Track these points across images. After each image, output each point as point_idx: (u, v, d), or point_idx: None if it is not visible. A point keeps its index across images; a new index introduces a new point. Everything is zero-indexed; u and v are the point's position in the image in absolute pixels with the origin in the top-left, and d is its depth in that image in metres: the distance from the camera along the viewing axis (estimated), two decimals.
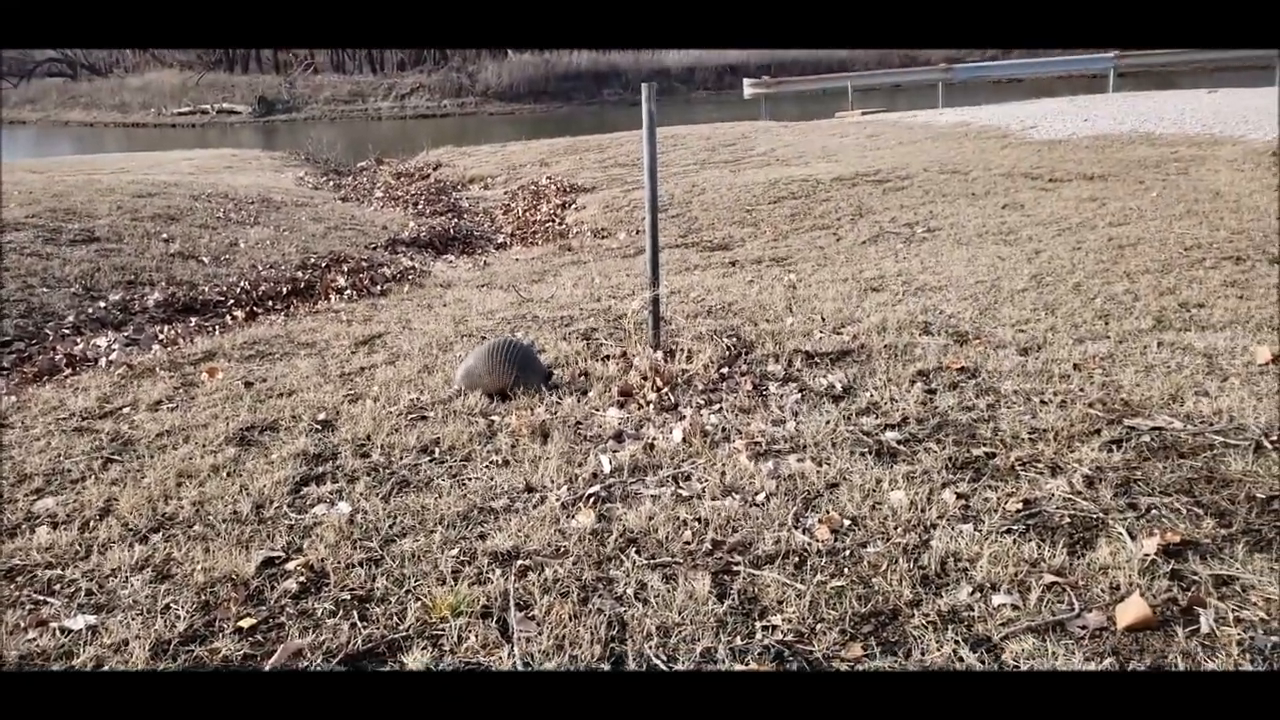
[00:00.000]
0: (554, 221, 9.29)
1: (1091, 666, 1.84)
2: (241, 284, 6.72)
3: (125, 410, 3.57)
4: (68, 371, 4.60)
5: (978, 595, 2.08)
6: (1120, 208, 6.78)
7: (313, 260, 7.45)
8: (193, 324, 5.64)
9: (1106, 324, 4.09)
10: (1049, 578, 2.13)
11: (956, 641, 1.91)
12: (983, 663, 1.85)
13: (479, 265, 7.47)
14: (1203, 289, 4.53)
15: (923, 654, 1.89)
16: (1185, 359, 3.55)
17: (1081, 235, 6.05)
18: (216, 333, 5.37)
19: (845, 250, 6.44)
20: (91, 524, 2.49)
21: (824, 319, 4.44)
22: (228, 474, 2.78)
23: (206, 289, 6.52)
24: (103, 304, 6.04)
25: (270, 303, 6.44)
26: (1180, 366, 3.48)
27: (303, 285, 6.82)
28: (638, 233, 8.08)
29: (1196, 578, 2.12)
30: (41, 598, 2.10)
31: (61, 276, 6.40)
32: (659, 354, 3.72)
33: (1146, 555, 2.20)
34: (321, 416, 3.28)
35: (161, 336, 5.24)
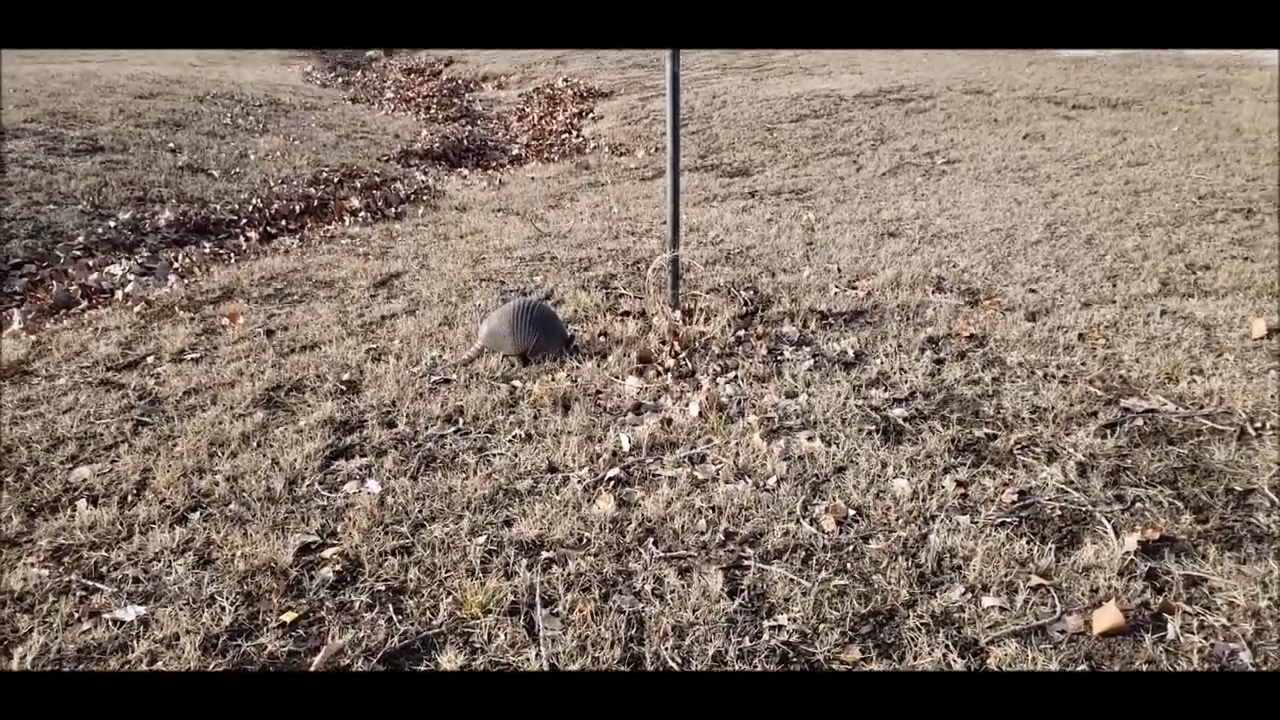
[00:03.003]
0: (570, 133, 9.15)
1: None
2: (254, 201, 6.72)
3: (149, 360, 3.67)
4: (84, 304, 4.66)
5: (969, 596, 2.21)
6: (1140, 144, 6.68)
7: (325, 174, 7.41)
8: (207, 250, 5.68)
9: (1114, 286, 4.13)
10: (1035, 579, 2.26)
11: (947, 645, 2.05)
12: (969, 667, 2.00)
13: (494, 184, 7.43)
14: (1210, 247, 4.54)
15: (915, 657, 2.04)
16: (1185, 331, 3.61)
17: (1099, 176, 6.00)
18: (232, 260, 5.42)
19: (865, 183, 6.39)
20: (129, 499, 2.60)
21: (840, 270, 4.48)
22: (258, 444, 2.90)
23: (218, 207, 6.52)
24: (112, 223, 6.05)
25: (284, 222, 6.46)
26: (1179, 339, 3.54)
27: (316, 204, 6.82)
28: (656, 150, 7.99)
29: (1170, 578, 2.23)
30: (90, 583, 2.22)
31: (68, 192, 6.37)
32: (677, 314, 3.78)
33: (1127, 554, 2.31)
34: (346, 377, 3.38)
35: (177, 265, 5.29)
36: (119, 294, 4.73)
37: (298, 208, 6.71)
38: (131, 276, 4.99)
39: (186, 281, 4.90)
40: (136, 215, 6.24)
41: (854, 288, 4.26)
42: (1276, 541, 2.36)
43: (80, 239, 5.76)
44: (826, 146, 7.58)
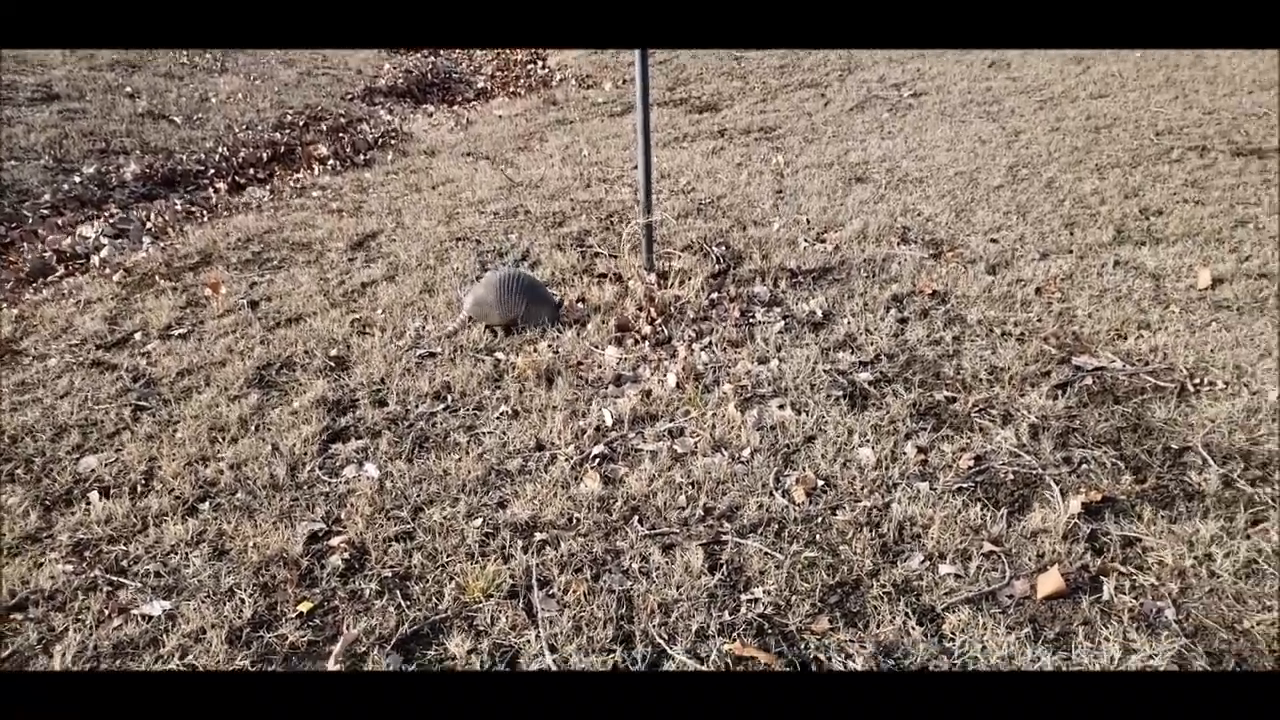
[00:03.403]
0: (535, 63, 9.01)
1: (1013, 636, 2.20)
2: (219, 150, 6.64)
3: (137, 337, 3.75)
4: (60, 270, 4.68)
5: (927, 564, 2.43)
6: (1103, 73, 6.75)
7: (289, 118, 7.30)
8: (178, 206, 5.65)
9: (1072, 234, 4.29)
10: (988, 546, 2.47)
11: (906, 613, 2.27)
12: (926, 635, 2.22)
13: (462, 124, 7.36)
14: (1165, 190, 4.70)
15: (879, 625, 2.26)
16: (1135, 282, 3.79)
17: (1062, 110, 6.08)
18: (205, 218, 5.41)
19: (833, 120, 6.43)
20: (139, 489, 2.74)
21: (809, 222, 4.59)
22: (256, 428, 3.02)
23: (184, 157, 6.45)
24: (77, 178, 5.99)
25: (252, 171, 6.42)
26: (1130, 291, 3.73)
27: (283, 149, 6.76)
28: (625, 82, 7.92)
29: (1108, 539, 2.44)
30: (114, 578, 2.38)
31: (28, 146, 6.27)
32: (653, 277, 3.90)
33: (1072, 517, 2.52)
34: (334, 353, 3.49)
35: (150, 225, 5.28)
36: (95, 259, 4.74)
37: (265, 155, 6.65)
38: (105, 240, 4.99)
39: (162, 244, 4.91)
40: (101, 169, 6.16)
41: (822, 241, 4.39)
42: (1206, 499, 2.59)
43: (46, 197, 5.71)
44: (794, 77, 7.56)
